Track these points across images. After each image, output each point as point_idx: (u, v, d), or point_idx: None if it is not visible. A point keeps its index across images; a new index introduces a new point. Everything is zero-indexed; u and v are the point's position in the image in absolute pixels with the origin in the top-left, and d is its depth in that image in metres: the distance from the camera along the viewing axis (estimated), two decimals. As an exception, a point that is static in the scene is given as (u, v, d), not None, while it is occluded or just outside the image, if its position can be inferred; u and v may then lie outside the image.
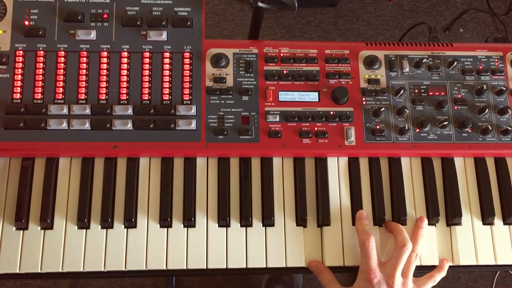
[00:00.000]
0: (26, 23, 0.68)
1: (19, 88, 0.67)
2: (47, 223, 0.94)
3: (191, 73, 0.75)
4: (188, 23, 0.74)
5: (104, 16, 0.69)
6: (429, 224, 1.01)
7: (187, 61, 0.75)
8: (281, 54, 1.05)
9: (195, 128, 0.79)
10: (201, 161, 1.01)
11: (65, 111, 0.67)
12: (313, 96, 1.03)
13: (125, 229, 0.96)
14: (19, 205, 0.95)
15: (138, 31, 0.71)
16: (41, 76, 0.68)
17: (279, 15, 2.15)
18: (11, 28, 0.67)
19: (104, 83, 0.69)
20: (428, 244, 0.99)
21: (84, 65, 0.69)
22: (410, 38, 2.11)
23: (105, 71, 0.69)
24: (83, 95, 0.68)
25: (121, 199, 0.97)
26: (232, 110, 1.01)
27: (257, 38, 1.14)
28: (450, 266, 1.00)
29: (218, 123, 1.00)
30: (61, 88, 0.68)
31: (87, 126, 0.68)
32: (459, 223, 1.01)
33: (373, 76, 1.06)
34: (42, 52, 0.68)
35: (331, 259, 0.97)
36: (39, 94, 0.68)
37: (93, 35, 0.69)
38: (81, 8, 0.69)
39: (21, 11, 0.67)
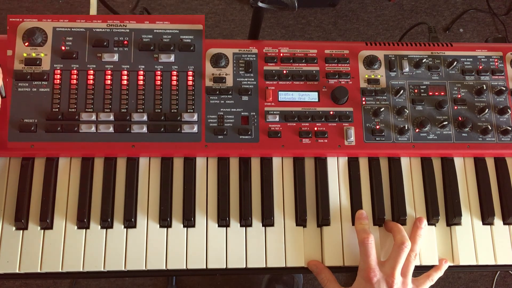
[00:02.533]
0: (63, 48, 0.86)
1: (57, 100, 0.84)
2: (46, 223, 0.94)
3: (193, 87, 0.89)
4: (191, 48, 0.91)
5: (125, 42, 0.86)
6: (429, 224, 1.01)
7: (190, 78, 0.90)
8: (281, 54, 1.05)
9: (196, 131, 0.91)
10: (200, 161, 1.01)
11: (93, 117, 0.83)
12: (313, 96, 1.03)
13: (125, 229, 0.96)
14: (19, 205, 0.95)
15: (151, 54, 0.88)
16: (74, 90, 0.84)
17: (279, 15, 2.15)
18: (51, 52, 0.85)
19: (125, 95, 0.85)
20: (428, 244, 0.99)
21: (109, 81, 0.85)
22: (410, 38, 2.11)
23: (125, 86, 0.85)
24: (108, 105, 0.84)
25: (120, 199, 0.97)
26: (232, 110, 1.01)
27: (257, 38, 1.14)
28: (450, 266, 1.00)
29: (218, 123, 1.00)
30: (90, 100, 0.85)
31: (111, 129, 0.84)
32: (459, 223, 1.01)
33: (373, 76, 1.06)
34: (75, 71, 0.85)
35: (331, 259, 0.97)
36: (73, 104, 0.84)
37: (115, 57, 0.86)
38: (107, 36, 0.86)
39: (59, 38, 0.85)
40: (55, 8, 2.07)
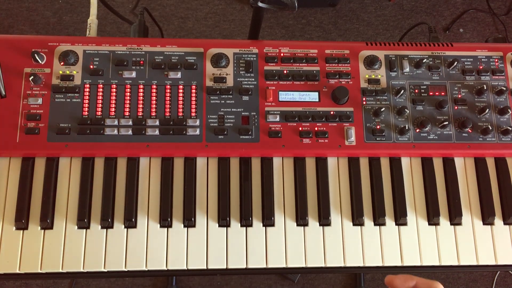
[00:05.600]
0: (91, 66, 1.04)
1: (86, 108, 1.01)
2: (47, 223, 0.94)
3: (196, 98, 1.03)
4: (194, 66, 1.04)
5: (141, 62, 1.05)
6: (429, 224, 1.01)
7: (193, 91, 1.03)
8: (281, 54, 1.05)
9: (199, 134, 1.01)
10: (201, 161, 1.01)
11: (116, 122, 1.00)
12: (313, 96, 1.03)
13: (125, 229, 0.96)
14: (19, 205, 0.95)
15: (162, 72, 1.04)
16: (100, 100, 1.02)
17: (279, 15, 2.15)
18: (81, 70, 1.03)
19: (141, 104, 1.02)
20: (429, 244, 0.99)
21: (128, 93, 1.03)
22: (410, 38, 2.11)
23: (141, 97, 1.03)
24: (128, 112, 1.02)
25: (121, 199, 0.98)
26: (232, 110, 1.01)
27: (257, 38, 1.13)
28: (450, 266, 1.00)
29: (218, 123, 1.00)
30: (113, 108, 1.02)
31: (130, 132, 1.00)
32: (459, 223, 1.01)
33: (373, 76, 1.06)
34: (101, 85, 1.03)
35: (332, 259, 0.97)
36: (99, 112, 1.01)
37: (133, 74, 1.04)
38: (126, 57, 1.05)
39: (88, 59, 1.04)
40: (55, 8, 2.07)
